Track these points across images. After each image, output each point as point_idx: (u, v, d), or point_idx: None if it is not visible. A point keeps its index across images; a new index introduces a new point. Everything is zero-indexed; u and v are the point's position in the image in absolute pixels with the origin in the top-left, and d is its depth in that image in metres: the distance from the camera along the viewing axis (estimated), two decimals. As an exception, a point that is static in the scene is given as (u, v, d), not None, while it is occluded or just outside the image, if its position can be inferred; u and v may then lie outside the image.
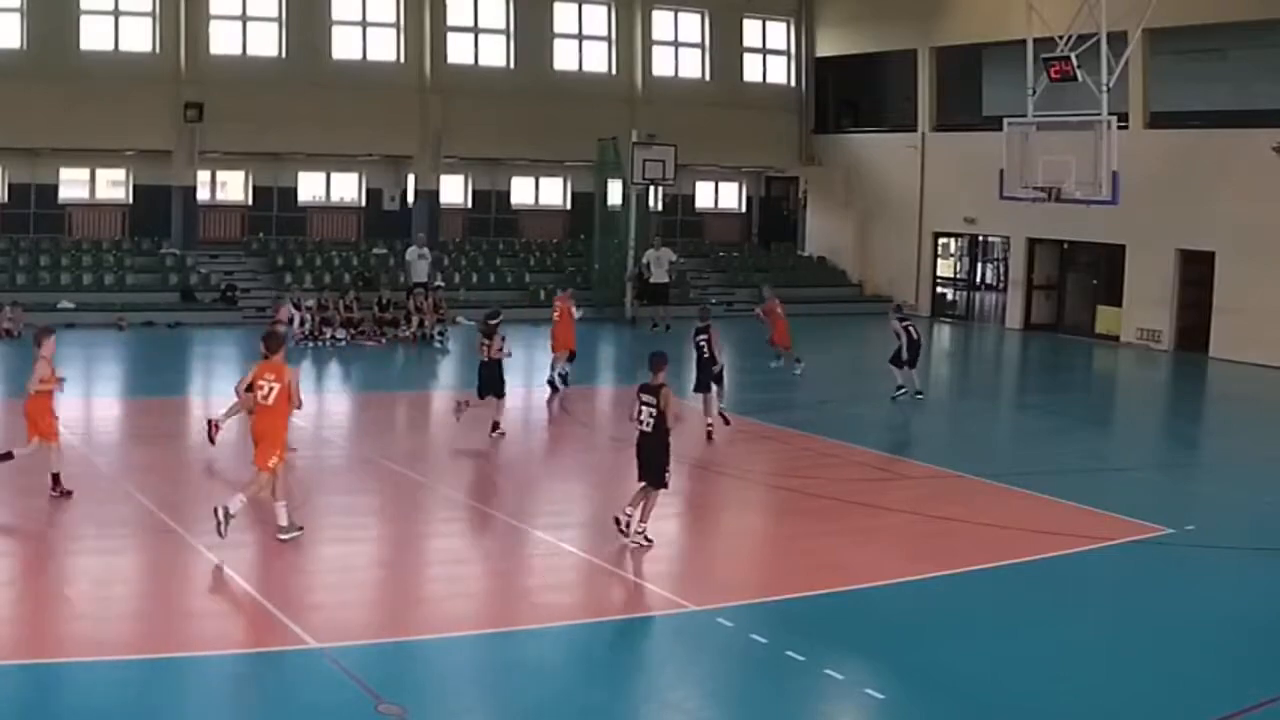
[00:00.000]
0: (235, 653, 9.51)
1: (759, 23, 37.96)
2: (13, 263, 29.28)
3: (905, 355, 21.25)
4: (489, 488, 15.60)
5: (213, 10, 31.08)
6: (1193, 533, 13.59)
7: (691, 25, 36.94)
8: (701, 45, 36.99)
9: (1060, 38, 25.01)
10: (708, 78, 37.01)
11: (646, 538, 12.35)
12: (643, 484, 12.44)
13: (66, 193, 31.55)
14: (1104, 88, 24.68)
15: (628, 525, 12.33)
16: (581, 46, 35.61)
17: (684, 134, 32.96)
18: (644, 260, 32.02)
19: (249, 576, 11.13)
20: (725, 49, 37.27)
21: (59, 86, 28.82)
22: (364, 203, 34.70)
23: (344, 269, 31.27)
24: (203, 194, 32.28)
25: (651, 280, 31.78)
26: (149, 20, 30.56)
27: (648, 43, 36.09)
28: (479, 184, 36.03)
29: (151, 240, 31.42)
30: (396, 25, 33.16)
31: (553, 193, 37.21)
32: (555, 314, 21.79)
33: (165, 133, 30.44)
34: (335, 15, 32.49)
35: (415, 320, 27.79)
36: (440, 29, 33.44)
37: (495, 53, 34.49)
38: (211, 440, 15.45)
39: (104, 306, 28.12)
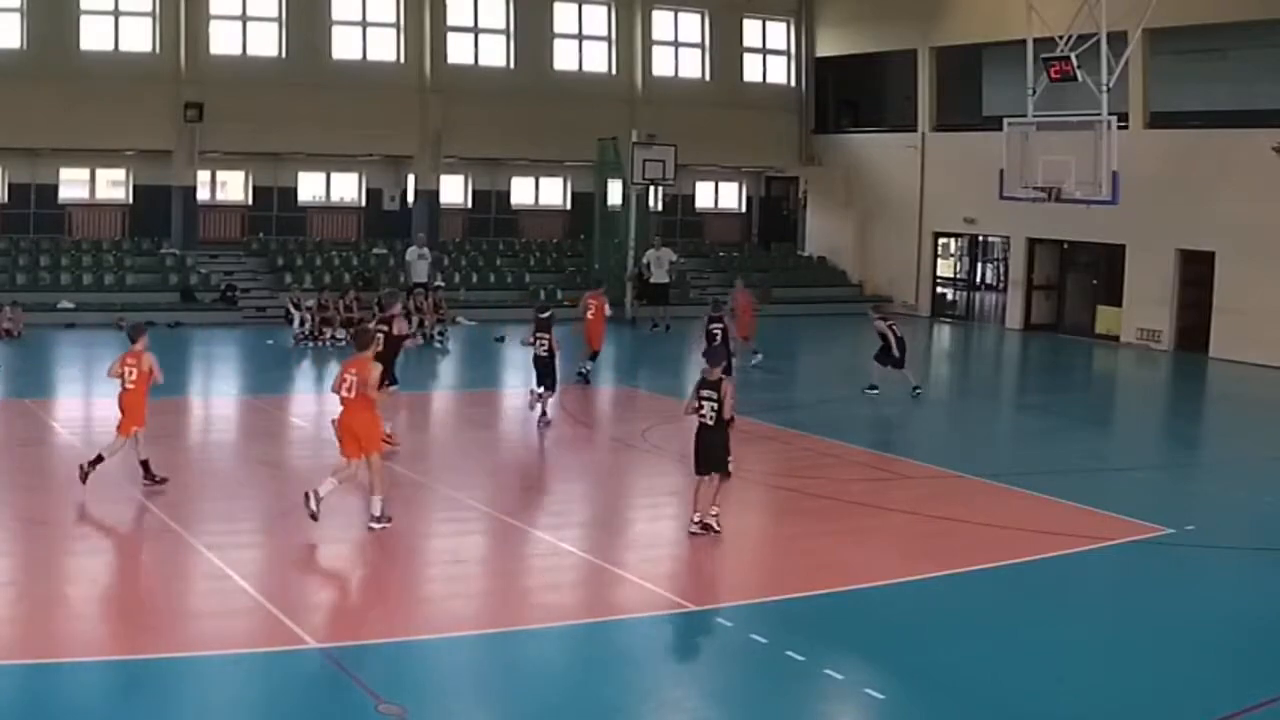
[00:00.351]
0: (235, 653, 9.49)
1: (759, 23, 37.95)
2: (13, 263, 29.28)
3: (896, 353, 21.28)
4: (489, 487, 15.59)
5: (213, 10, 31.07)
6: (1193, 533, 13.58)
7: (691, 25, 36.94)
8: (701, 45, 36.99)
9: (1060, 38, 24.99)
10: (708, 78, 37.00)
11: (718, 521, 12.79)
12: (703, 477, 12.78)
13: (66, 193, 31.56)
14: (1104, 88, 24.65)
15: (702, 524, 12.69)
16: (581, 46, 35.61)
17: (684, 134, 32.98)
18: (644, 260, 32.02)
19: (249, 576, 11.12)
20: (725, 49, 37.26)
21: (59, 86, 28.81)
22: (364, 203, 34.73)
23: (344, 269, 31.27)
24: (203, 194, 32.28)
25: (652, 280, 31.77)
26: (149, 20, 30.54)
27: (648, 43, 36.09)
28: (479, 184, 36.04)
29: (151, 240, 31.43)
30: (396, 25, 33.15)
31: (553, 193, 37.23)
32: (590, 312, 22.45)
33: (165, 133, 30.43)
34: (335, 15, 32.48)
35: (415, 320, 27.74)
36: (440, 29, 33.43)
37: (495, 53, 34.49)
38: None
39: (104, 306, 28.07)
